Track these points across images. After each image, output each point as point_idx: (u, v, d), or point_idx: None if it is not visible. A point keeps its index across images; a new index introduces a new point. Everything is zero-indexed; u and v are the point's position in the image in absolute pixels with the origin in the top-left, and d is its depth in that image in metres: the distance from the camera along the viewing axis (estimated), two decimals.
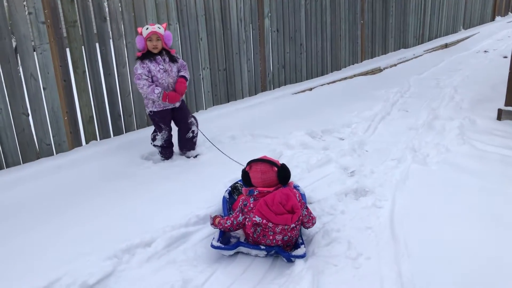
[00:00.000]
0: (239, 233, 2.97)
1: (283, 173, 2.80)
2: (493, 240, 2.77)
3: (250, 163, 2.89)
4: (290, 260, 2.70)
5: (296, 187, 3.29)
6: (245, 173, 2.89)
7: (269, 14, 6.04)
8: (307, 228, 2.92)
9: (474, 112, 5.35)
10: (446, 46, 10.14)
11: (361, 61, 8.00)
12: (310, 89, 6.49)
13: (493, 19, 13.30)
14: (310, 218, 2.87)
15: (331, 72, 7.29)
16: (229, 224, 2.80)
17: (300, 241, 2.80)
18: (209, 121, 5.04)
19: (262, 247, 2.71)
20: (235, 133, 4.81)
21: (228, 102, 5.73)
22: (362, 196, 3.49)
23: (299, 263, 2.64)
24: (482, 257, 2.61)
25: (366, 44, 8.04)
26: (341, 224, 3.07)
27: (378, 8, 8.13)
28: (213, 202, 3.34)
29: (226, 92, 5.70)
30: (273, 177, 2.80)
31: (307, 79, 6.81)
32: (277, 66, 6.31)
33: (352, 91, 6.61)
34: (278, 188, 2.77)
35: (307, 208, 2.88)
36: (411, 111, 5.70)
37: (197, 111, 5.35)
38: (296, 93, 6.27)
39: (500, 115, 5.05)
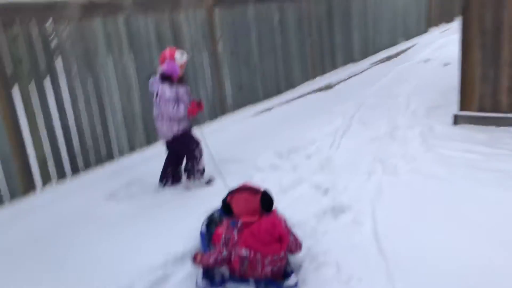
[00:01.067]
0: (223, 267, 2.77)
1: (267, 200, 2.64)
2: (484, 245, 2.77)
3: (231, 193, 2.71)
4: None
5: None
6: (226, 204, 2.69)
7: (222, 37, 5.99)
8: (295, 254, 2.80)
9: (431, 119, 5.50)
10: (389, 58, 10.53)
11: (313, 78, 8.10)
12: (269, 109, 6.46)
13: (427, 30, 14.02)
14: (298, 244, 2.76)
15: (286, 91, 7.32)
16: (212, 261, 2.62)
17: (290, 270, 2.67)
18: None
19: (251, 281, 2.58)
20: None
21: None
22: (341, 214, 3.43)
23: None
24: (476, 264, 2.60)
25: (316, 61, 8.17)
26: (326, 246, 2.99)
27: (324, 27, 8.32)
28: (190, 238, 3.16)
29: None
30: (256, 205, 2.61)
31: (263, 100, 6.79)
32: (234, 89, 6.24)
33: (310, 108, 6.65)
34: (262, 216, 2.62)
35: (293, 234, 2.76)
36: (370, 123, 5.78)
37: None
38: (256, 115, 6.21)
39: (456, 120, 5.22)
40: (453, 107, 5.93)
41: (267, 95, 6.88)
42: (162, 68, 3.82)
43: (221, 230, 2.86)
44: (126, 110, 4.88)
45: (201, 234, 3.08)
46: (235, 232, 2.60)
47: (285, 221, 2.72)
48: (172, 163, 4.16)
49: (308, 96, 7.26)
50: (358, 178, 4.05)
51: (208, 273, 2.68)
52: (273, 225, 2.56)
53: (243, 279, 2.60)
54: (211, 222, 3.21)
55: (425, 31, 13.71)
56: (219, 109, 6.04)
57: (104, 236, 3.33)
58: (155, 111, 3.91)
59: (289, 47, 7.32)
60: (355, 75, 8.84)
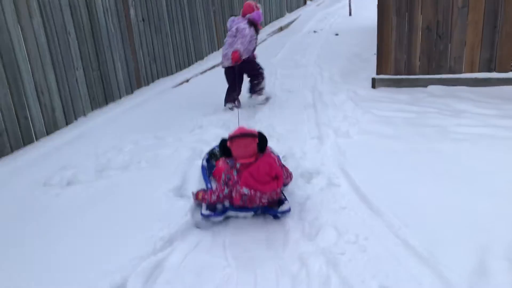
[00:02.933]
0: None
1: (262, 142, 2.89)
2: (460, 190, 2.96)
3: (231, 138, 2.89)
4: (277, 216, 2.86)
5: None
6: (225, 146, 2.90)
7: (133, 2, 5.41)
8: (287, 184, 3.11)
9: (350, 84, 5.74)
10: (281, 29, 10.74)
11: (218, 49, 7.86)
12: (187, 81, 6.10)
13: (305, 3, 14.63)
14: (289, 174, 3.09)
15: (196, 61, 6.98)
16: (215, 198, 2.85)
17: (283, 197, 2.95)
18: (96, 130, 4.29)
19: (250, 209, 2.84)
20: (136, 136, 4.19)
21: (107, 104, 4.98)
22: (313, 179, 3.37)
23: (311, 263, 2.40)
24: (457, 205, 2.76)
25: (220, 31, 7.93)
26: (315, 211, 2.91)
27: None
28: (168, 218, 2.82)
29: (103, 93, 4.93)
30: (254, 148, 2.85)
31: (177, 71, 6.38)
32: (148, 60, 5.73)
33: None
34: (258, 157, 2.85)
35: (284, 166, 3.10)
36: (294, 91, 5.82)
37: (76, 119, 4.49)
38: (176, 86, 5.81)
39: (374, 83, 5.52)
40: (365, 72, 6.31)
41: (179, 66, 6.48)
42: (252, 14, 4.96)
43: (221, 164, 3.21)
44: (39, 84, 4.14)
45: (202, 167, 3.37)
46: (235, 173, 2.84)
47: (278, 158, 3.03)
48: (235, 88, 5.11)
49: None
50: (310, 143, 4.04)
51: (210, 205, 2.88)
52: (270, 166, 2.82)
53: (242, 208, 2.85)
54: (211, 157, 3.45)
55: (304, 3, 14.29)
56: (136, 82, 5.50)
57: (65, 227, 2.79)
58: (228, 41, 4.93)
59: (195, 13, 6.96)
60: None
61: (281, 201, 2.89)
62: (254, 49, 5.11)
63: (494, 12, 4.88)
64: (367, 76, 6.06)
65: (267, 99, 5.28)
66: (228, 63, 4.99)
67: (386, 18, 5.27)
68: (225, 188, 2.83)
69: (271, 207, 2.86)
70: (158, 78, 5.94)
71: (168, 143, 4.13)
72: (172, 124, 4.62)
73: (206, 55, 7.35)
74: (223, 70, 6.83)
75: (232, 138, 2.88)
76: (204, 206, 2.86)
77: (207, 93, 5.73)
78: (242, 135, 2.86)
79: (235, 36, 4.88)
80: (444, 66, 5.25)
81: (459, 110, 4.44)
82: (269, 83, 6.21)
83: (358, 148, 3.77)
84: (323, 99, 5.22)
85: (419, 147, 3.68)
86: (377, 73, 5.54)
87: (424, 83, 5.32)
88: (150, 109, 4.98)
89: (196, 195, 2.96)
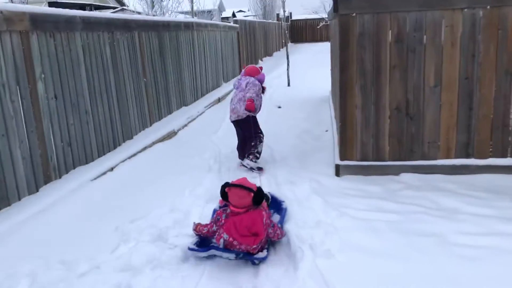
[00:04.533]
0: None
1: (258, 198, 3.18)
2: None
3: (230, 186, 3.24)
4: (254, 262, 3.06)
5: (281, 202, 3.88)
6: (224, 190, 3.25)
7: (43, 76, 4.28)
8: (274, 241, 3.29)
9: (309, 170, 4.91)
10: (219, 100, 9.98)
11: (151, 125, 6.81)
12: (112, 169, 4.92)
13: (240, 72, 14.22)
14: (276, 234, 3.23)
15: (124, 142, 5.85)
16: (205, 231, 3.23)
17: (266, 247, 3.16)
18: None
19: (232, 251, 3.06)
20: (34, 266, 2.93)
21: None
22: None
23: None
24: None
25: (153, 105, 6.93)
26: None
27: (158, 64, 7.18)
28: None
29: None
30: (248, 201, 3.16)
31: (99, 157, 5.20)
32: (61, 145, 4.52)
33: (162, 164, 5.37)
34: (249, 210, 3.15)
35: (273, 226, 3.23)
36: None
37: None
38: (95, 178, 4.61)
39: (338, 171, 4.72)
40: (320, 153, 5.56)
41: (102, 149, 5.31)
42: (259, 76, 5.28)
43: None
44: None
45: (214, 210, 3.64)
46: (223, 216, 3.18)
47: (268, 216, 3.25)
48: (245, 144, 5.21)
49: (153, 147, 5.93)
50: (279, 268, 3.03)
51: (203, 241, 3.25)
52: (253, 222, 3.08)
53: (225, 249, 3.08)
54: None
55: (239, 72, 13.83)
56: (42, 176, 4.24)
57: None
58: (238, 96, 5.11)
59: (123, 87, 5.92)
60: (193, 119, 7.88)
61: (262, 249, 3.12)
62: (260, 107, 5.24)
63: (469, 93, 4.36)
64: (325, 158, 5.32)
65: (259, 169, 5.06)
66: (235, 117, 5.12)
67: (349, 96, 4.58)
68: (214, 225, 3.20)
69: (250, 253, 3.05)
70: (74, 167, 4.71)
71: (80, 273, 2.91)
72: (87, 238, 3.41)
73: (136, 134, 6.26)
74: (154, 151, 5.89)
75: (231, 186, 3.24)
76: (192, 240, 3.23)
77: (137, 185, 4.59)
78: (240, 186, 3.21)
79: (243, 90, 5.06)
80: (417, 151, 4.59)
81: (450, 209, 3.69)
82: (213, 168, 5.23)
83: (348, 277, 2.80)
84: (282, 191, 4.29)
85: (423, 270, 2.81)
86: (341, 159, 4.75)
87: (396, 171, 4.60)
88: (59, 216, 3.73)
89: (195, 226, 3.31)
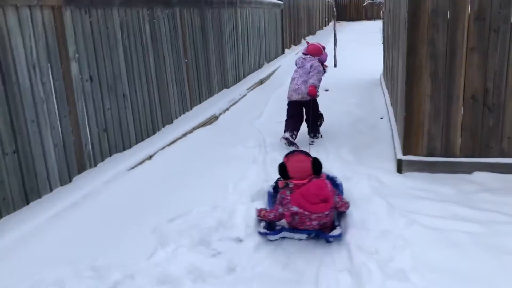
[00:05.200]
0: (283, 222, 3.19)
1: (317, 165, 3.16)
2: None
3: (287, 155, 3.33)
4: (328, 240, 3.01)
5: (333, 178, 3.74)
6: (282, 166, 3.18)
7: (77, 55, 3.93)
8: (342, 211, 3.26)
9: (367, 165, 4.38)
10: (261, 82, 9.48)
11: (191, 109, 6.43)
12: (150, 157, 4.57)
13: (283, 52, 13.62)
14: (343, 203, 3.24)
15: (164, 127, 5.50)
16: (272, 216, 3.15)
17: (337, 223, 3.15)
18: (3, 260, 2.69)
19: (304, 231, 3.01)
20: (61, 273, 2.60)
21: (28, 204, 3.38)
22: None
23: None
24: None
25: (194, 87, 6.53)
26: None
27: (199, 43, 6.75)
28: None
29: (22, 187, 3.34)
30: (308, 166, 3.16)
31: (137, 143, 4.86)
32: (96, 131, 4.20)
33: (203, 152, 4.97)
34: (311, 180, 3.08)
35: (338, 195, 3.26)
36: None
37: None
38: (133, 168, 4.27)
39: (401, 167, 4.17)
40: (378, 145, 5.01)
41: (140, 135, 4.97)
42: (322, 56, 5.33)
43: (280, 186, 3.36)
44: None
45: (268, 193, 3.63)
46: (288, 193, 3.09)
47: (330, 185, 3.15)
48: (295, 121, 5.18)
49: (194, 133, 5.55)
50: (339, 285, 2.57)
51: (269, 224, 3.19)
52: (320, 188, 3.04)
53: (297, 230, 3.05)
54: (277, 186, 3.47)
55: (281, 53, 13.26)
56: (77, 164, 3.93)
57: None
58: (302, 77, 5.12)
59: (163, 68, 5.53)
60: (235, 102, 7.44)
61: (333, 227, 3.09)
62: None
63: None
64: (383, 151, 4.77)
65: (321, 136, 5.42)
66: (298, 97, 5.09)
67: (417, 83, 3.99)
68: (280, 207, 3.10)
69: (323, 231, 3.03)
70: (110, 155, 4.39)
71: (112, 283, 2.56)
72: (122, 239, 3.06)
73: (176, 118, 5.89)
74: (194, 137, 5.52)
75: (288, 154, 3.33)
76: (262, 224, 3.14)
77: (176, 177, 4.21)
78: (297, 151, 3.41)
79: (309, 73, 5.12)
80: (495, 147, 3.97)
81: None
82: (258, 159, 4.78)
83: None
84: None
85: None
86: (404, 153, 4.20)
87: (468, 169, 4.01)
88: (91, 212, 3.40)
89: (259, 212, 3.23)
